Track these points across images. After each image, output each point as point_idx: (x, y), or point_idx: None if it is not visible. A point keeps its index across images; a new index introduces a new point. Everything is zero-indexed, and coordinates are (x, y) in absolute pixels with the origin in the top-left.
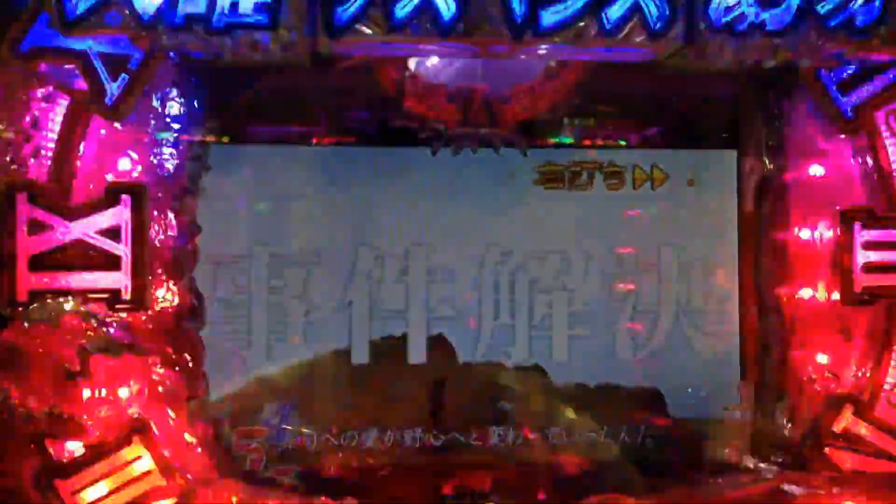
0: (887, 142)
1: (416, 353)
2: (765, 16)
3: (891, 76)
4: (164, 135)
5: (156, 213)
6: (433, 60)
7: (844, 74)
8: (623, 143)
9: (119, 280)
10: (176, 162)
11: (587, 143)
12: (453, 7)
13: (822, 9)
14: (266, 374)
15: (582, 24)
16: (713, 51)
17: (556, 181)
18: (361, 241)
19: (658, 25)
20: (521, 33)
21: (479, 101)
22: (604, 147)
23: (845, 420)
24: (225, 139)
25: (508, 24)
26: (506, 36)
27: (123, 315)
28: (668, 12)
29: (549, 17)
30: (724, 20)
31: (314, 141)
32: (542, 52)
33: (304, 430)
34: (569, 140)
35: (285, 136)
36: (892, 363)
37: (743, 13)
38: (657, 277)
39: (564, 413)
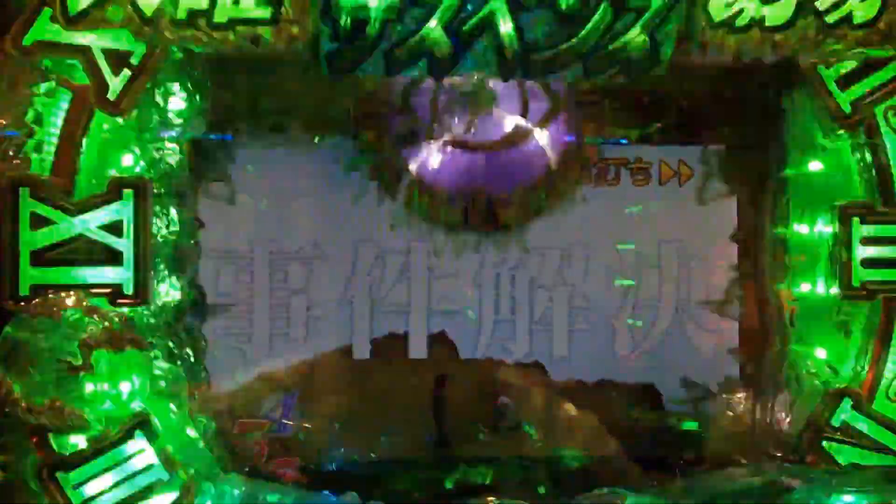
0: (886, 138)
1: (417, 349)
2: (765, 11)
3: (890, 72)
4: (167, 130)
5: (158, 208)
6: (433, 162)
7: (843, 70)
8: (624, 140)
9: (121, 275)
10: (178, 157)
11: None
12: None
13: (821, 5)
14: (268, 368)
15: None
16: (713, 46)
17: None
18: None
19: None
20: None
21: (480, 203)
22: (604, 143)
23: (844, 414)
24: (227, 135)
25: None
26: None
27: (125, 310)
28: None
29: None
30: (724, 15)
31: (315, 138)
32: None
33: (306, 425)
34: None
35: (287, 132)
36: (891, 358)
37: (743, 8)
38: (657, 273)
39: (563, 407)
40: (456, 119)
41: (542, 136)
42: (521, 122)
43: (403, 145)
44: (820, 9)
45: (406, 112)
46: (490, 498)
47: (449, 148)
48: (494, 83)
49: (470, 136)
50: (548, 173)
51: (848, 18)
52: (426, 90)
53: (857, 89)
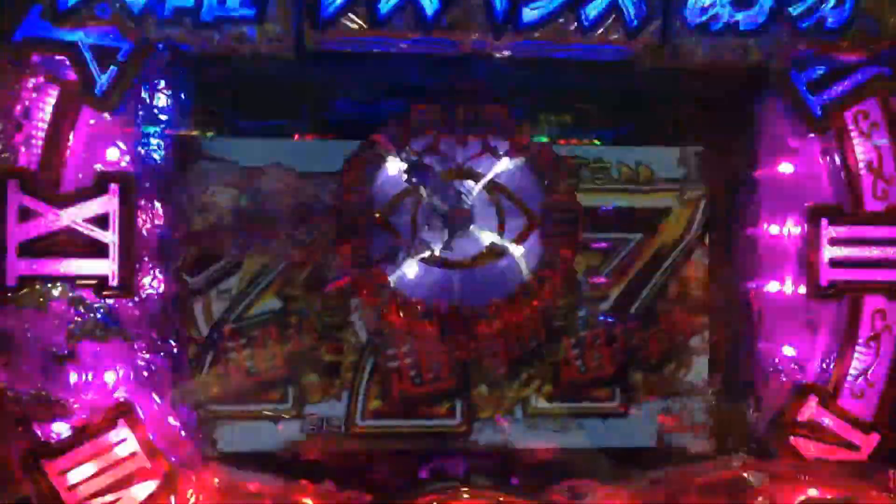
0: (855, 141)
1: None
2: (738, 16)
3: (859, 77)
4: (152, 126)
5: (143, 202)
6: (411, 277)
7: (814, 75)
8: (598, 141)
9: (106, 267)
10: (163, 152)
11: (562, 142)
12: (436, 2)
13: (794, 10)
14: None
15: (561, 20)
16: (688, 50)
17: None
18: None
19: (635, 24)
20: (502, 29)
21: (456, 316)
22: (579, 144)
23: (810, 410)
24: (210, 131)
25: (490, 19)
26: (487, 31)
27: (110, 301)
28: (644, 11)
29: (529, 13)
30: (699, 20)
31: (296, 136)
32: (522, 48)
33: (284, 416)
34: (544, 139)
35: (269, 129)
36: (856, 356)
37: (717, 13)
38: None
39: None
40: (434, 237)
41: (517, 252)
42: (497, 239)
43: (383, 262)
44: (792, 14)
45: (386, 230)
46: (462, 487)
47: (426, 264)
48: (471, 201)
49: (448, 253)
50: (522, 288)
51: (820, 24)
52: (406, 208)
53: (828, 94)
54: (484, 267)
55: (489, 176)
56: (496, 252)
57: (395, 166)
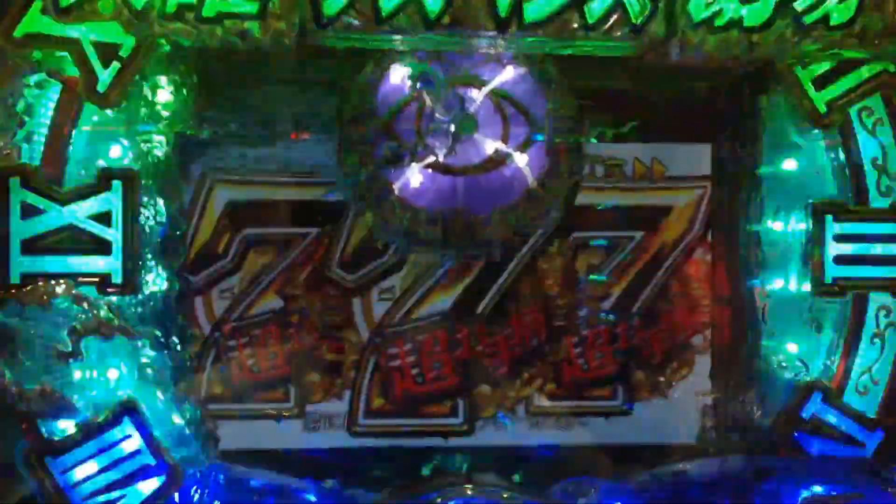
0: (860, 137)
1: None
2: (743, 11)
3: (865, 73)
4: (155, 122)
5: (146, 199)
6: (415, 183)
7: (819, 70)
8: (594, 140)
9: (110, 264)
10: (165, 149)
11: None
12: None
13: (799, 6)
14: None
15: (565, 17)
16: (693, 46)
17: None
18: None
19: (639, 20)
20: (506, 26)
21: (460, 223)
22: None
23: (814, 407)
24: (211, 128)
25: (493, 16)
26: (490, 28)
27: (114, 298)
28: (649, 7)
29: (532, 9)
30: (703, 15)
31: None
32: (526, 45)
33: (285, 413)
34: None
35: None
36: (860, 353)
37: (722, 8)
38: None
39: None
40: (438, 143)
41: (521, 160)
42: (501, 146)
43: (387, 165)
44: (798, 10)
45: (390, 136)
46: (465, 484)
47: (430, 171)
48: (476, 108)
49: (451, 159)
50: (527, 195)
51: (825, 20)
52: (410, 115)
53: (833, 90)
54: (488, 174)
55: (494, 83)
56: (500, 159)
57: (398, 73)
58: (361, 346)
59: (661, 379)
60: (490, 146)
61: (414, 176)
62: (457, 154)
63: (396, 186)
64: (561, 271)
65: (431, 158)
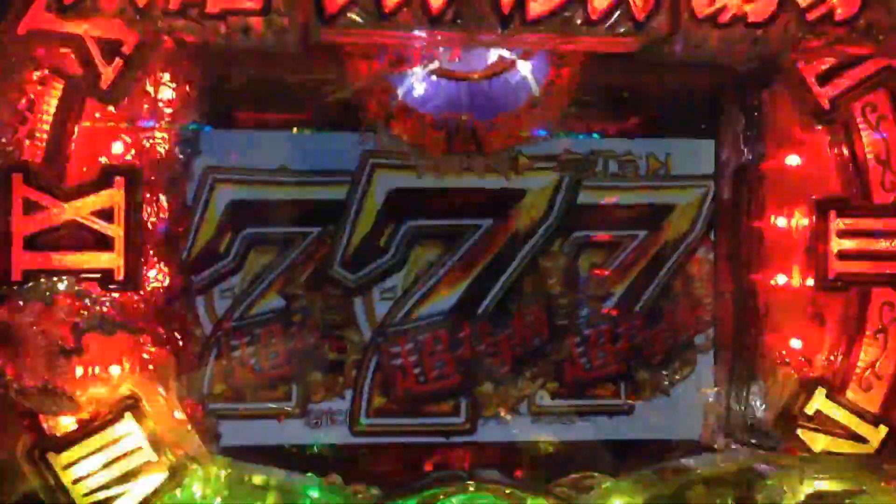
0: (863, 133)
1: None
2: (747, 8)
3: (868, 69)
4: (157, 119)
5: (148, 195)
6: (419, 90)
7: (823, 66)
8: (596, 135)
9: (112, 260)
10: (168, 146)
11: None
12: None
13: (802, 1)
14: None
15: (568, 13)
16: (696, 42)
17: None
18: None
19: (643, 16)
20: (509, 22)
21: (465, 129)
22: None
23: (817, 402)
24: (215, 124)
25: (496, 12)
26: (494, 25)
27: (116, 294)
28: (652, 3)
29: (536, 6)
30: (707, 11)
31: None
32: (529, 41)
33: (287, 409)
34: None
35: (272, 121)
36: (864, 348)
37: (726, 5)
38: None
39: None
40: (442, 49)
41: (525, 67)
42: (505, 52)
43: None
44: (802, 5)
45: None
46: (468, 480)
47: (435, 77)
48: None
49: (456, 65)
50: (530, 102)
51: (829, 15)
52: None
53: (836, 86)
54: (492, 81)
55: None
56: (504, 66)
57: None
58: (363, 346)
59: (664, 377)
60: (494, 52)
61: (418, 82)
62: (462, 60)
63: (400, 91)
64: (563, 270)
65: (436, 63)
